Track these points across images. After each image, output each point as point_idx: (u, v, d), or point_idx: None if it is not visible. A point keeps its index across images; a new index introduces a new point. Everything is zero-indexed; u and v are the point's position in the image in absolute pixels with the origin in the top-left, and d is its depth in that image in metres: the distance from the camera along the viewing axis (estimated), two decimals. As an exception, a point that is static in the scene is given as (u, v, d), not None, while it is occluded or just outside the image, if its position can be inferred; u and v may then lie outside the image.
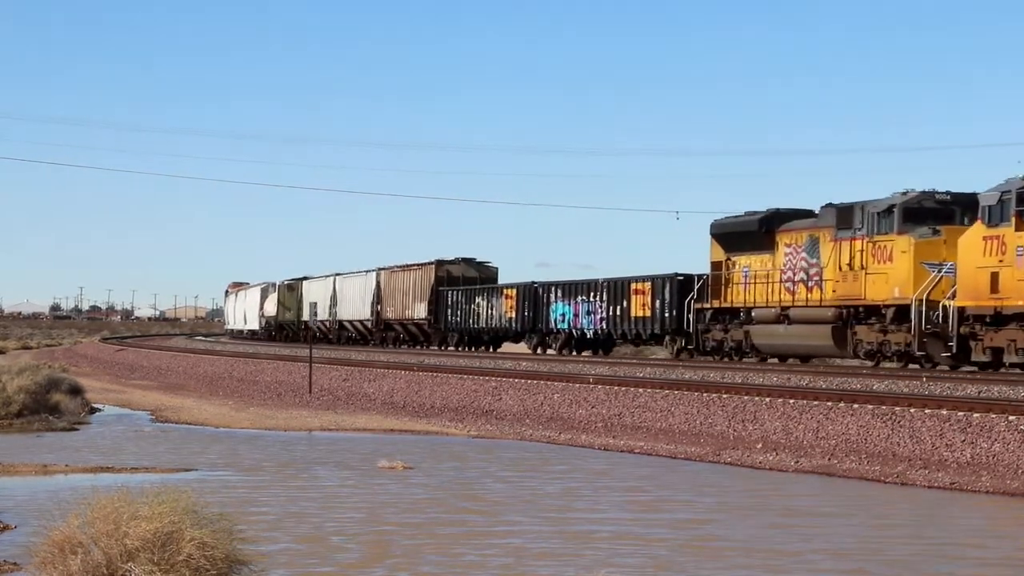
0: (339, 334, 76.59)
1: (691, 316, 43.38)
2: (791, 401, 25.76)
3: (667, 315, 45.35)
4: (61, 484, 18.50)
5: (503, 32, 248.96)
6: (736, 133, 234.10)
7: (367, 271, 72.45)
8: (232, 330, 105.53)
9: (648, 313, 46.52)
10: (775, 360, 40.48)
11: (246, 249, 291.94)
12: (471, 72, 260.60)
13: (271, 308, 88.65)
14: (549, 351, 53.77)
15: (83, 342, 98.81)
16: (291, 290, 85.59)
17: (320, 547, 14.18)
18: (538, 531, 15.47)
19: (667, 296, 45.37)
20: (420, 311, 64.57)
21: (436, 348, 62.03)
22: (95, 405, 35.40)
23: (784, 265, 39.24)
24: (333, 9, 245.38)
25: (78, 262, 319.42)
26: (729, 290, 41.83)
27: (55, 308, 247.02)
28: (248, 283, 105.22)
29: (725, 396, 27.47)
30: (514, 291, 56.70)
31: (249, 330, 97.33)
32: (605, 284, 49.46)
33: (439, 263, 64.27)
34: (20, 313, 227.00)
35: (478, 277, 63.53)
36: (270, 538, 14.19)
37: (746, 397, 26.99)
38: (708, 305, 42.49)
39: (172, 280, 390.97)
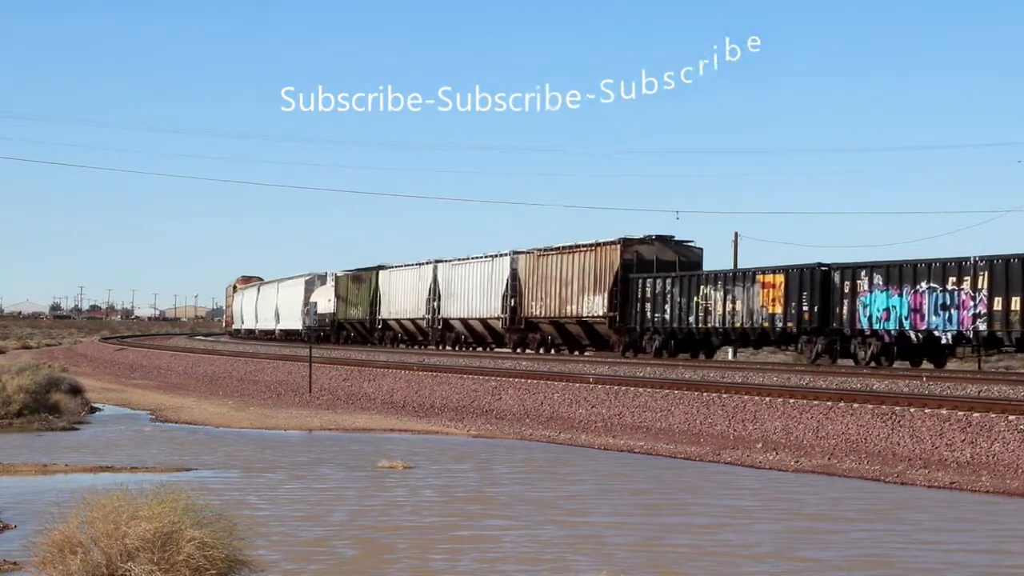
0: (443, 335, 60.90)
1: None
2: (791, 401, 25.79)
3: None
4: (61, 484, 18.49)
5: (503, 32, 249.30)
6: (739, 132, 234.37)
7: (494, 256, 56.68)
8: (255, 330, 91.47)
9: None
10: None
11: (247, 248, 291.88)
12: (469, 70, 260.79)
13: (325, 304, 71.18)
14: (842, 361, 38.62)
15: (83, 342, 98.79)
16: (358, 282, 70.54)
17: (320, 547, 14.17)
18: (541, 532, 15.45)
19: None
20: (595, 306, 48.78)
21: (620, 356, 46.64)
22: (95, 405, 35.40)
23: None
24: (336, 8, 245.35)
25: (78, 262, 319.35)
26: None
27: (55, 308, 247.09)
28: (262, 278, 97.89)
29: (725, 396, 27.49)
30: (781, 278, 40.45)
31: (282, 330, 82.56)
32: (983, 264, 33.45)
33: (626, 242, 48.39)
34: (20, 313, 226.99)
35: (676, 261, 47.89)
36: (270, 538, 14.19)
37: (746, 397, 27.01)
38: None
39: (172, 280, 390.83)
